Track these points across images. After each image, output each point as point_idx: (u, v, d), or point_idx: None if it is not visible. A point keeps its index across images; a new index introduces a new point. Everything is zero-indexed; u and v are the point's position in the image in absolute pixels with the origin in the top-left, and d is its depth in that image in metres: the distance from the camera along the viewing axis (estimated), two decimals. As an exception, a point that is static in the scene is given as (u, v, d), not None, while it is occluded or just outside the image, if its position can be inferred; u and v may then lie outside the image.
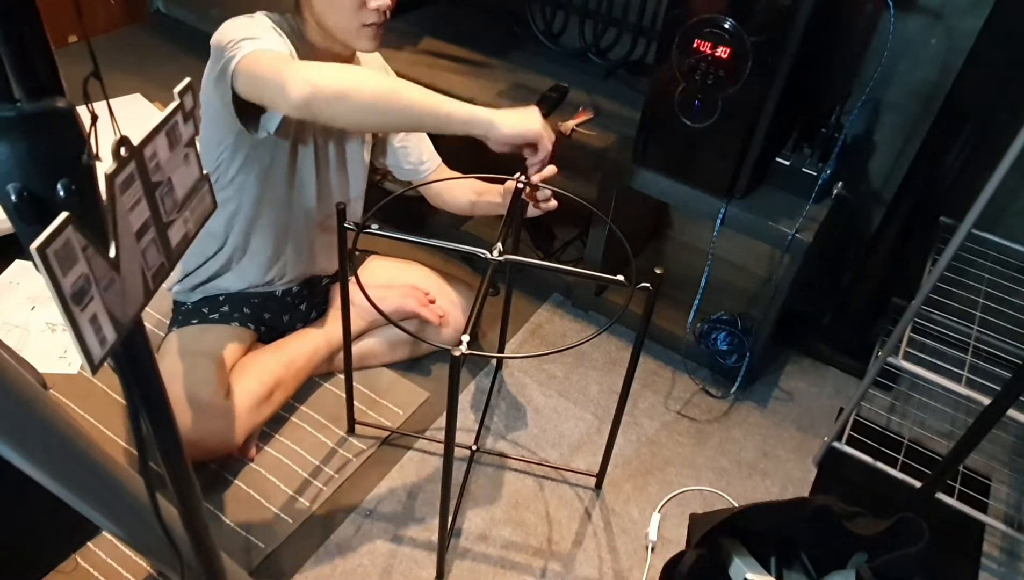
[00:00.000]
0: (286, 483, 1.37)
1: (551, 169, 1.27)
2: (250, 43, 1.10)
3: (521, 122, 1.16)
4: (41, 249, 0.41)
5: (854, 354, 1.76)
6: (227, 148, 1.26)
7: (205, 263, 1.42)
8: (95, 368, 0.48)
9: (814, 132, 1.51)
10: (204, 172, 0.60)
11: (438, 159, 1.58)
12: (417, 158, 1.54)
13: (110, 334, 0.49)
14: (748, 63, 1.30)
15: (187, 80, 0.57)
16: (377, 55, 1.45)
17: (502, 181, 1.34)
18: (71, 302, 0.44)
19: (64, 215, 0.43)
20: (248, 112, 1.16)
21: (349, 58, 1.32)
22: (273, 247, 1.42)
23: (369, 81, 1.09)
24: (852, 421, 1.54)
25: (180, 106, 0.55)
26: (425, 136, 1.56)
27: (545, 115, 1.65)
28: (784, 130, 1.54)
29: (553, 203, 1.32)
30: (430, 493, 1.40)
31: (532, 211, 1.39)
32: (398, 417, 1.52)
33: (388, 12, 1.22)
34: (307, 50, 1.25)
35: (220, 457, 1.36)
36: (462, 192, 1.57)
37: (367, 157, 1.49)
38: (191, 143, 0.57)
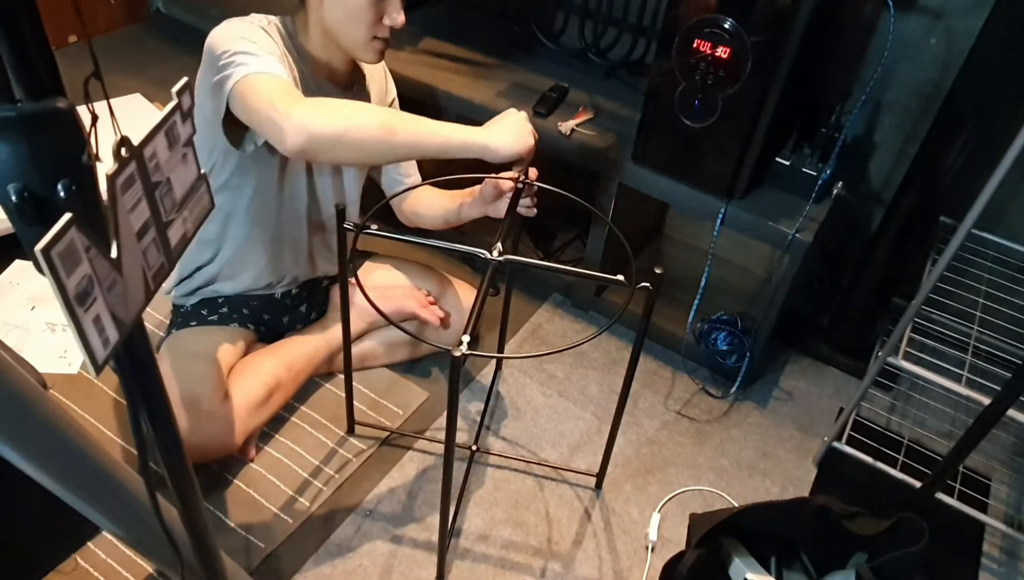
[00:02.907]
0: (286, 483, 1.37)
1: (533, 171, 1.28)
2: (245, 64, 1.09)
3: (517, 141, 1.19)
4: (45, 251, 0.41)
5: (854, 354, 1.77)
6: (220, 152, 1.25)
7: (201, 269, 1.42)
8: (99, 368, 0.48)
9: (814, 132, 1.51)
10: (202, 172, 0.60)
11: (419, 177, 1.55)
12: (405, 169, 1.53)
13: (113, 334, 0.49)
14: (748, 63, 1.30)
15: (184, 79, 0.57)
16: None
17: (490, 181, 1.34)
18: (75, 303, 0.44)
19: (67, 216, 0.43)
20: (236, 125, 1.16)
21: (347, 69, 1.31)
22: (269, 251, 1.41)
23: (364, 122, 1.08)
24: (852, 421, 1.54)
25: (178, 106, 0.55)
26: (414, 164, 1.54)
27: (545, 115, 1.65)
28: (784, 130, 1.54)
29: (533, 210, 1.33)
30: (430, 493, 1.40)
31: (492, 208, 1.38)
32: (398, 417, 1.52)
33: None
34: (303, 60, 1.25)
35: (220, 458, 1.36)
36: (437, 203, 1.52)
37: None
38: (189, 143, 0.57)
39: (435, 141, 1.14)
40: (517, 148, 1.19)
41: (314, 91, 1.28)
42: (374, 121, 1.09)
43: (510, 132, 1.19)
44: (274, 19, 1.24)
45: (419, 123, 1.14)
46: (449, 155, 1.16)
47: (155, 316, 1.65)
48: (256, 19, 1.21)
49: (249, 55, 1.10)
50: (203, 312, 1.43)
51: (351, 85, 1.36)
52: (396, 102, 1.51)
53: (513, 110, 1.25)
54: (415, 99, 1.75)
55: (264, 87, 1.08)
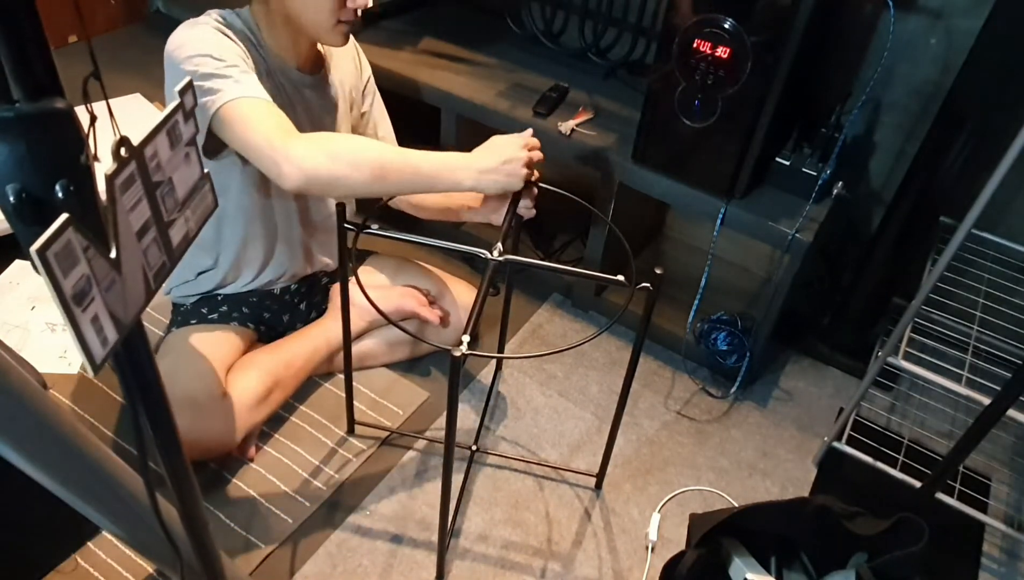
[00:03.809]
0: (286, 483, 1.37)
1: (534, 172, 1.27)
2: (223, 90, 1.10)
3: (506, 182, 1.19)
4: (41, 251, 0.41)
5: (854, 354, 1.76)
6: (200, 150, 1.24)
7: (203, 274, 1.42)
8: (97, 368, 0.48)
9: (814, 132, 1.51)
10: (205, 171, 0.60)
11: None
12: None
13: (111, 334, 0.49)
14: (748, 63, 1.30)
15: (188, 78, 0.57)
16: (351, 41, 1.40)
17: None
18: (72, 303, 0.44)
19: (64, 217, 0.43)
20: (210, 138, 1.15)
21: (311, 55, 1.30)
22: (266, 247, 1.41)
23: (356, 170, 1.12)
24: (852, 421, 1.54)
25: (180, 105, 0.55)
26: (390, 131, 1.53)
27: (545, 115, 1.65)
28: (784, 130, 1.54)
29: (532, 211, 1.32)
30: (430, 493, 1.40)
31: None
32: (398, 417, 1.52)
33: (360, 12, 1.21)
34: (264, 50, 1.24)
35: (218, 456, 1.36)
36: (431, 199, 1.49)
37: None
38: (192, 142, 0.57)
39: (425, 181, 1.17)
40: (504, 188, 1.20)
41: (279, 80, 1.27)
42: (366, 167, 1.12)
43: (502, 176, 1.18)
44: (229, 12, 1.22)
45: (411, 162, 1.16)
46: (440, 190, 1.20)
47: (154, 315, 1.65)
48: (211, 19, 1.19)
49: (224, 78, 1.11)
50: (203, 310, 1.43)
51: (317, 71, 1.34)
52: (371, 80, 1.48)
53: (507, 138, 1.22)
54: (415, 100, 1.75)
55: (255, 119, 1.10)
